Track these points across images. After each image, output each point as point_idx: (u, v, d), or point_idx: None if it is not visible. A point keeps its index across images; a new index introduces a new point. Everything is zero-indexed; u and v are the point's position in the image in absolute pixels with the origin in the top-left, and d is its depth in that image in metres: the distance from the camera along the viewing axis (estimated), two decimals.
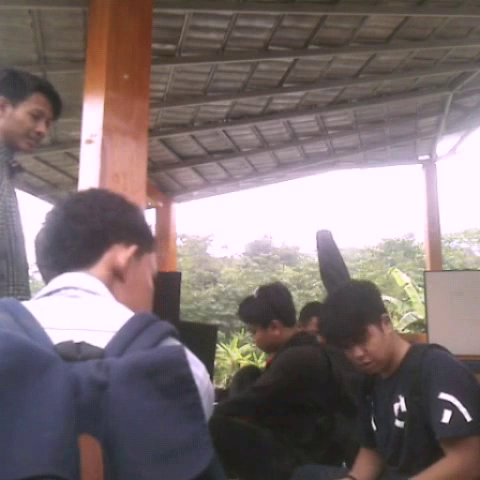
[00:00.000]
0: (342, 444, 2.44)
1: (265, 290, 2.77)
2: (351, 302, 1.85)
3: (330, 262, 3.05)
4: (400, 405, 1.82)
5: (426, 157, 6.75)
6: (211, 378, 3.63)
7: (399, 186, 46.36)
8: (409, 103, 5.43)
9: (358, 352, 1.82)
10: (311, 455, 2.37)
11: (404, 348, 1.88)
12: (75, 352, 0.72)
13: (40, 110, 1.96)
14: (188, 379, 0.73)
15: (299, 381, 2.43)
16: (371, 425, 1.95)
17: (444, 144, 6.54)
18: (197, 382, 0.74)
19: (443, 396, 1.68)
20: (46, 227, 0.99)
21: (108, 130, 2.39)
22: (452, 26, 4.01)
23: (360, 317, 1.82)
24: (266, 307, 2.64)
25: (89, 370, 0.69)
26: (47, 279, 0.96)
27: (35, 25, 3.23)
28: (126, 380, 0.69)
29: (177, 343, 0.82)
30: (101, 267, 0.96)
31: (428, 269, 6.20)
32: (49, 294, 0.90)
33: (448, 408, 1.65)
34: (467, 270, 12.06)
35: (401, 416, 1.81)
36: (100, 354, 0.74)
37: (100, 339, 0.77)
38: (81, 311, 0.86)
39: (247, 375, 2.90)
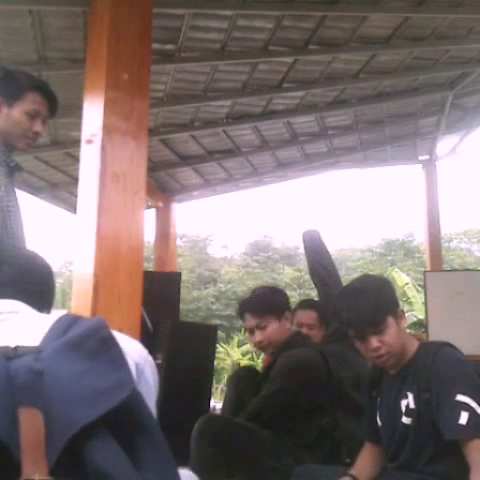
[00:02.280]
0: (344, 443, 2.43)
1: (268, 287, 2.72)
2: (372, 292, 1.87)
3: (320, 261, 3.03)
4: (408, 402, 1.82)
5: (426, 157, 6.74)
6: (211, 378, 3.63)
7: (399, 186, 46.39)
8: (409, 103, 5.42)
9: (374, 343, 1.81)
10: (312, 455, 2.37)
11: (414, 345, 1.89)
12: (12, 353, 0.80)
13: (36, 109, 1.95)
14: (110, 337, 0.85)
15: (301, 384, 2.41)
16: (376, 421, 1.95)
17: (444, 144, 6.54)
18: (135, 356, 0.91)
19: (460, 398, 1.67)
20: None
21: (108, 130, 2.39)
22: (452, 26, 4.01)
23: (380, 306, 1.84)
24: (280, 298, 2.59)
25: (27, 362, 0.78)
26: None
27: (35, 25, 3.22)
28: (59, 356, 0.79)
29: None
30: None
31: (428, 269, 6.20)
32: None
33: (465, 410, 1.65)
34: (467, 270, 12.07)
35: (409, 413, 1.81)
36: (36, 350, 0.82)
37: (34, 340, 0.86)
38: (10, 330, 0.94)
39: (244, 374, 2.87)
